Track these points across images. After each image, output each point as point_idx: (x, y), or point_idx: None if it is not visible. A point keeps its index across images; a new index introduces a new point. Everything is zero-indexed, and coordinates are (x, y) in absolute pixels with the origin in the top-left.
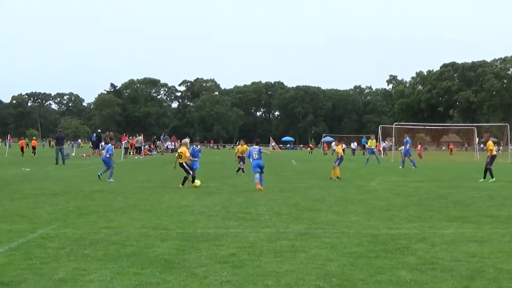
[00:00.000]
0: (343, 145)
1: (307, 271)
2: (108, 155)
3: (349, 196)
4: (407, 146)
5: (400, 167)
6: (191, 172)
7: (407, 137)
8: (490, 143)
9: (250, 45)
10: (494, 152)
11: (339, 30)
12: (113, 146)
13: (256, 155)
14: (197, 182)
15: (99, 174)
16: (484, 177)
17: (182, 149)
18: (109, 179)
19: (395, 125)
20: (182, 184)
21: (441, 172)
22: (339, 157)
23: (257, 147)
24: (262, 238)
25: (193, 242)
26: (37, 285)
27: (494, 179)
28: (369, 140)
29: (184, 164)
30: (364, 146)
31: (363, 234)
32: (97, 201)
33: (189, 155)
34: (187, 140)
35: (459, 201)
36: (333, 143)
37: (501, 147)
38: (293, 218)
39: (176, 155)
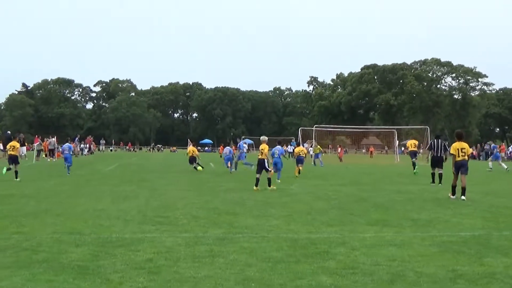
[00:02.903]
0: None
1: (225, 277)
2: (70, 153)
3: (269, 199)
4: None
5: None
6: (270, 170)
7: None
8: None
9: (167, 44)
10: (411, 148)
11: (258, 30)
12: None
13: (277, 154)
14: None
15: (68, 172)
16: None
17: (263, 146)
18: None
19: (315, 127)
20: (269, 186)
21: (362, 175)
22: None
23: (279, 147)
24: (179, 243)
25: (108, 247)
26: None
27: (415, 171)
28: (315, 146)
29: (265, 162)
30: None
31: (282, 239)
32: (7, 205)
33: (267, 151)
34: (265, 137)
35: (380, 204)
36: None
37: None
38: (212, 222)
39: (259, 153)
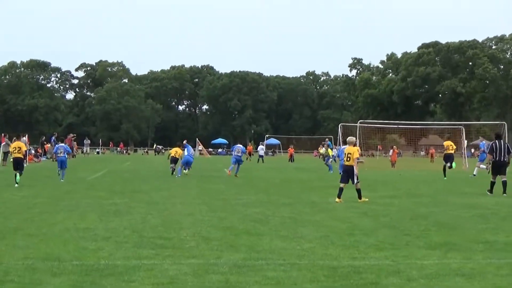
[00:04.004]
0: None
1: None
2: (66, 155)
3: (300, 216)
4: None
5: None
6: (359, 181)
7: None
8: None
9: (168, 17)
10: (447, 151)
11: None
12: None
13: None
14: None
15: (62, 178)
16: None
17: (351, 149)
18: (61, 179)
19: (360, 123)
20: (360, 198)
21: (420, 185)
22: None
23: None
24: (186, 271)
25: (95, 277)
26: None
27: (445, 178)
28: (329, 148)
29: (355, 169)
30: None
31: (318, 266)
32: None
33: (358, 155)
34: (353, 138)
35: (443, 222)
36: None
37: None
38: (227, 245)
39: (345, 157)
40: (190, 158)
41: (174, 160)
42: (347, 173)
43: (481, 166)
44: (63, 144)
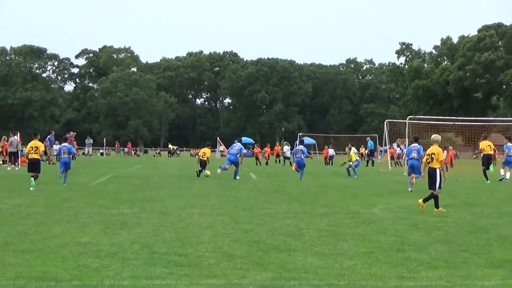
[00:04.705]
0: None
1: None
2: (70, 157)
3: (339, 228)
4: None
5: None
6: (437, 186)
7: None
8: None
9: None
10: (484, 152)
11: None
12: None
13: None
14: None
15: (60, 176)
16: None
17: (435, 149)
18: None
19: (409, 119)
20: (436, 207)
21: (481, 192)
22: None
23: (417, 145)
24: None
25: None
26: None
27: (488, 181)
28: (352, 152)
29: (437, 173)
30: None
31: (361, 287)
32: None
33: (443, 157)
34: (438, 136)
35: (508, 236)
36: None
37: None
38: (254, 262)
39: (425, 158)
40: (232, 157)
41: (203, 164)
42: (431, 177)
43: (506, 174)
44: (66, 144)
